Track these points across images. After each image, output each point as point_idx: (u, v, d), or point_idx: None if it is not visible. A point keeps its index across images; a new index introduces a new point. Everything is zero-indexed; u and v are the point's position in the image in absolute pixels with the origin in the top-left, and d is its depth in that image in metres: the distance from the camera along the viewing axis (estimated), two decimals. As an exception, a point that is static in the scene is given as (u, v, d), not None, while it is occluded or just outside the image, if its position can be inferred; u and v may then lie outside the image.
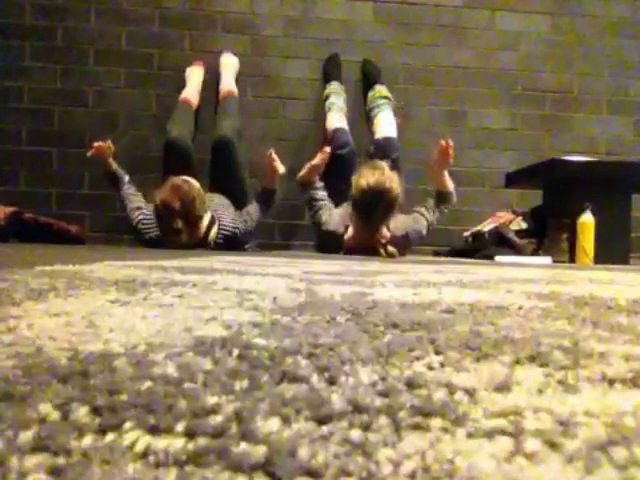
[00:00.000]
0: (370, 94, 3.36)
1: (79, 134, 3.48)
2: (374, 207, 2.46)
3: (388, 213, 2.52)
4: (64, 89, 3.49)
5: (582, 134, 3.73)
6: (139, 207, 2.72)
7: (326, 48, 3.59)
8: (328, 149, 2.81)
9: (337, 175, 3.08)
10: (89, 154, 2.79)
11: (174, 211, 2.47)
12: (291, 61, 3.58)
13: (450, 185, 2.77)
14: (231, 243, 2.73)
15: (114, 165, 2.83)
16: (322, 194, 2.81)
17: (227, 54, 3.49)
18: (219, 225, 2.71)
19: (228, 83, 3.36)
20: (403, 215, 2.78)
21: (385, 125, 3.19)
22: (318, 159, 2.78)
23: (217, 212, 2.77)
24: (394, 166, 3.04)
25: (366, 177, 2.48)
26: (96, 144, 2.78)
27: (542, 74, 3.71)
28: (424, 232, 2.74)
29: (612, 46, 3.74)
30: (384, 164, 2.60)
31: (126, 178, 2.82)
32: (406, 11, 3.63)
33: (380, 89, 3.36)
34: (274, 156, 2.81)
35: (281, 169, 2.81)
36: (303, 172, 2.83)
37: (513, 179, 3.31)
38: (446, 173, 2.75)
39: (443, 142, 2.68)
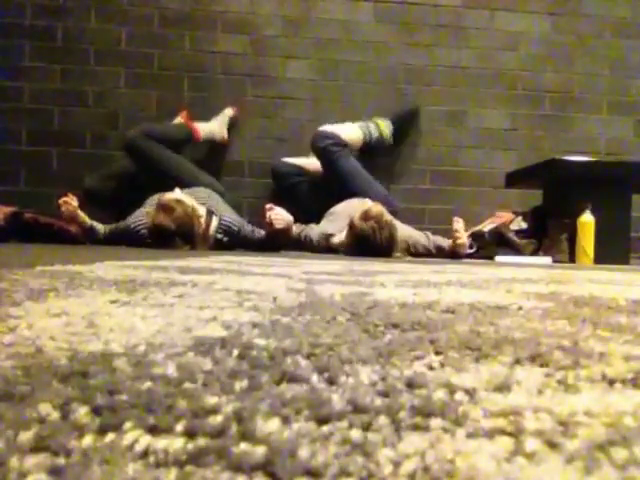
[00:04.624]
0: (379, 119, 3.42)
1: (79, 134, 3.48)
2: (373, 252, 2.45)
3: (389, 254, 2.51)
4: (64, 89, 3.49)
5: (582, 134, 3.73)
6: (127, 219, 2.76)
7: (326, 48, 3.59)
8: (269, 210, 2.72)
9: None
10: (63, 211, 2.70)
11: (172, 232, 2.43)
12: (291, 61, 3.58)
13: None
14: (230, 237, 2.74)
15: (86, 219, 2.74)
16: (300, 227, 2.83)
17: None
18: (220, 220, 2.72)
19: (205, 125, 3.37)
20: (409, 229, 2.82)
21: (337, 124, 3.28)
22: (275, 222, 2.68)
23: (212, 205, 2.77)
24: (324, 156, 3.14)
25: (362, 229, 2.45)
26: (61, 201, 2.69)
27: (542, 74, 3.71)
28: (425, 244, 2.77)
29: (612, 46, 3.74)
30: (379, 211, 2.53)
31: (101, 230, 2.76)
32: (406, 11, 3.63)
33: (382, 122, 3.40)
34: (269, 213, 2.67)
35: (279, 225, 2.67)
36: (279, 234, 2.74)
37: (513, 179, 3.31)
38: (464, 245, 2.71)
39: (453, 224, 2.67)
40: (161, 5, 3.52)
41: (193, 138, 3.28)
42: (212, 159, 3.48)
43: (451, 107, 3.66)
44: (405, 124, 3.53)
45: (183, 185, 2.85)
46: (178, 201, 2.50)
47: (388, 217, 2.52)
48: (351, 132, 3.29)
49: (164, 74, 3.52)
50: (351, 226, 2.52)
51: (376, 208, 2.53)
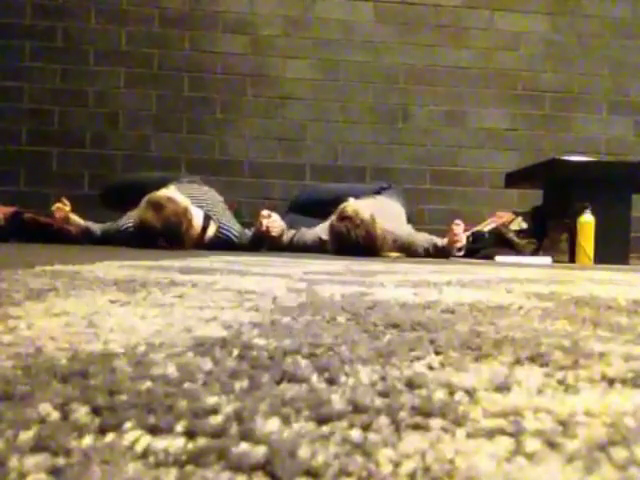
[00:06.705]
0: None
1: (79, 134, 3.48)
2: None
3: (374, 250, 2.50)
4: (64, 89, 3.49)
5: (582, 134, 3.73)
6: (119, 220, 2.65)
7: (326, 48, 3.59)
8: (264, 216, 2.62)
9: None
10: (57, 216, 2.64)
11: (157, 232, 2.28)
12: (291, 61, 3.58)
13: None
14: (225, 244, 2.63)
15: (81, 221, 2.66)
16: (291, 233, 2.80)
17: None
18: (218, 227, 2.61)
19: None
20: (407, 228, 2.83)
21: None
22: (271, 228, 2.60)
23: (211, 208, 2.65)
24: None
25: (340, 232, 2.46)
26: (54, 207, 2.61)
27: (542, 74, 3.71)
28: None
29: (612, 46, 3.75)
30: (356, 211, 2.51)
31: (98, 231, 2.66)
32: (406, 11, 3.63)
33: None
34: (266, 221, 2.55)
35: (276, 232, 2.57)
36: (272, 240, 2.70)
37: (513, 179, 3.31)
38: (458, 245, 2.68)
39: (453, 227, 2.61)
40: (161, 5, 3.52)
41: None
42: (211, 159, 3.48)
43: (451, 107, 3.66)
44: None
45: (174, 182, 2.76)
46: (170, 199, 2.35)
47: (365, 215, 2.49)
48: None
49: (164, 74, 3.52)
50: (330, 227, 2.54)
51: (351, 207, 2.53)
